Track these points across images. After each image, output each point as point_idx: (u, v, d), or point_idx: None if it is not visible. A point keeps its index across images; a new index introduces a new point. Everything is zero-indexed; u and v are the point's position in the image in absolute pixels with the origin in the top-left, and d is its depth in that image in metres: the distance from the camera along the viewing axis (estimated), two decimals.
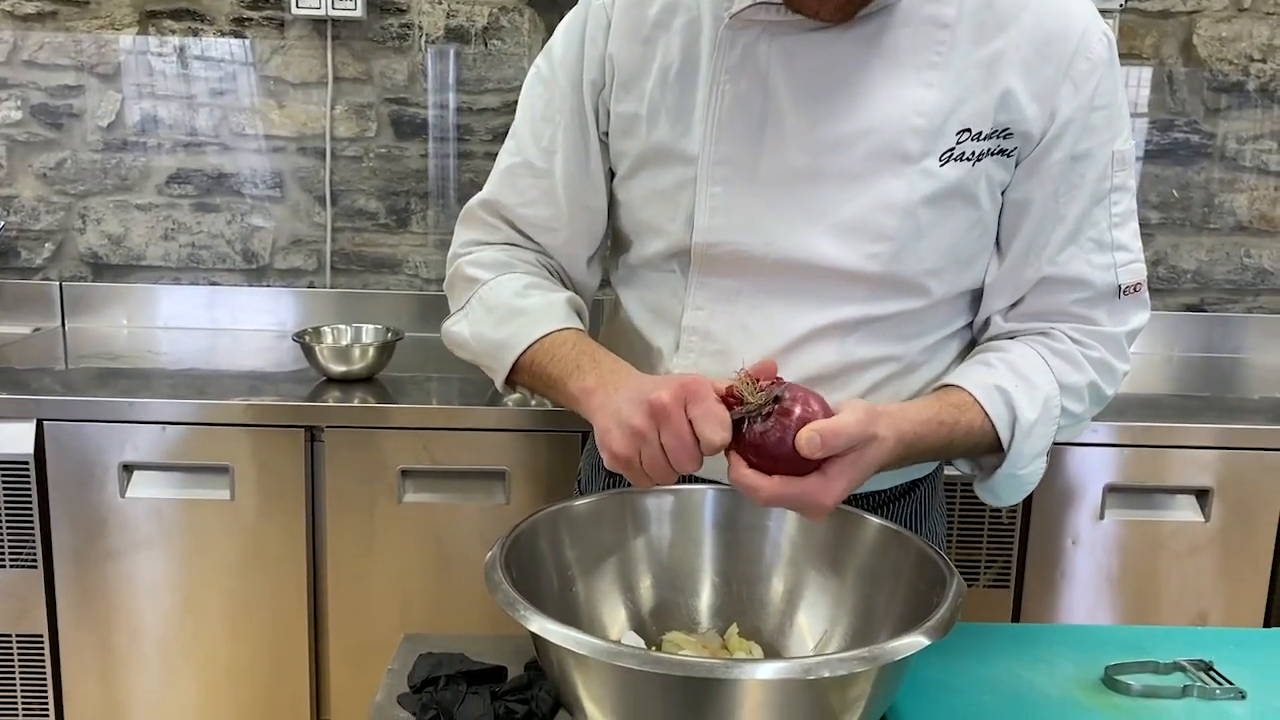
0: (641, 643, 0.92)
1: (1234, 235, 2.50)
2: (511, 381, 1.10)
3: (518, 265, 1.14)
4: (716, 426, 0.84)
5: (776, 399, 0.84)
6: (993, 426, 0.99)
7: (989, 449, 1.03)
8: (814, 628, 0.94)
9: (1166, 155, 2.45)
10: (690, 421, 0.84)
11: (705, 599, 0.97)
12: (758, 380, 0.85)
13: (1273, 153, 2.47)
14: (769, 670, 0.73)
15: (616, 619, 0.94)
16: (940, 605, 0.79)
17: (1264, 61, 2.43)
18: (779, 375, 0.87)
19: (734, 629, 0.95)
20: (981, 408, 0.99)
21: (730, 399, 0.85)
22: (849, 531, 0.95)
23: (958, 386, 1.01)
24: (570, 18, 1.11)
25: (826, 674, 0.72)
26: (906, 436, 0.92)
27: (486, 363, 1.11)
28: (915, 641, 0.75)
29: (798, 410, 0.83)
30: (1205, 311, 2.53)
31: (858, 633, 0.92)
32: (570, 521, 0.95)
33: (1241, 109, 2.45)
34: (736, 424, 0.84)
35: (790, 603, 0.95)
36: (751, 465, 0.84)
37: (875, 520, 0.94)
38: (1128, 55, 2.41)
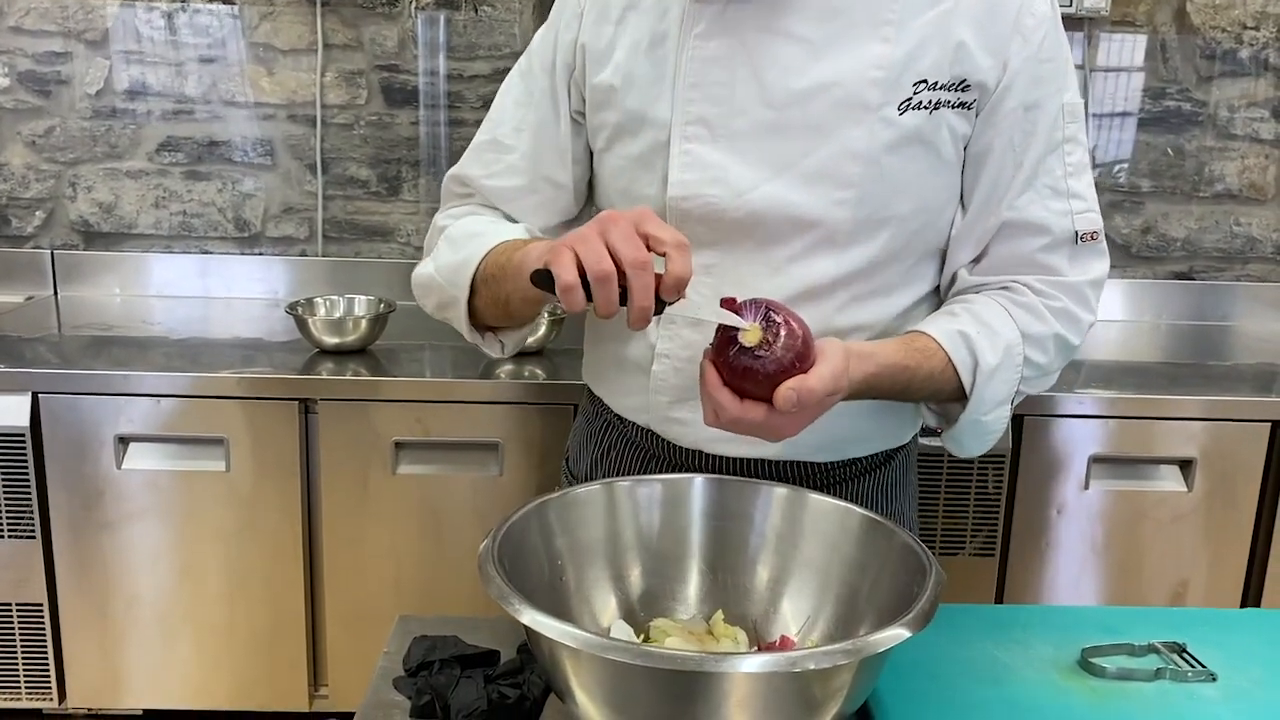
0: (631, 631, 0.94)
1: (1224, 203, 2.51)
2: (481, 326, 1.13)
3: (484, 213, 1.20)
4: (666, 229, 0.87)
5: (766, 323, 0.89)
6: (955, 372, 1.05)
7: (951, 395, 1.08)
8: (798, 614, 0.96)
9: (1158, 123, 2.45)
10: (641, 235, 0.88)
11: (692, 586, 0.99)
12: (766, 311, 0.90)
13: (1264, 121, 2.47)
14: (755, 663, 0.74)
15: (607, 607, 0.97)
16: (921, 596, 0.81)
17: (1256, 29, 2.42)
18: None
19: (719, 615, 0.97)
20: (945, 352, 1.04)
21: (731, 307, 0.90)
22: (834, 521, 0.97)
23: (923, 333, 1.06)
24: (553, 10, 1.18)
25: (811, 666, 0.74)
26: (870, 378, 0.98)
27: (451, 293, 1.12)
28: (896, 634, 0.77)
29: (784, 338, 0.89)
30: (1194, 279, 2.54)
31: (841, 619, 0.94)
32: (561, 511, 0.97)
33: (1234, 77, 2.44)
34: (722, 338, 0.90)
35: (775, 590, 0.98)
36: (725, 382, 0.90)
37: (859, 510, 0.96)
38: (1121, 23, 2.40)
